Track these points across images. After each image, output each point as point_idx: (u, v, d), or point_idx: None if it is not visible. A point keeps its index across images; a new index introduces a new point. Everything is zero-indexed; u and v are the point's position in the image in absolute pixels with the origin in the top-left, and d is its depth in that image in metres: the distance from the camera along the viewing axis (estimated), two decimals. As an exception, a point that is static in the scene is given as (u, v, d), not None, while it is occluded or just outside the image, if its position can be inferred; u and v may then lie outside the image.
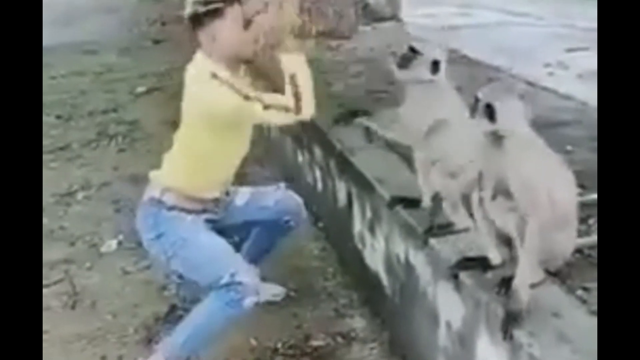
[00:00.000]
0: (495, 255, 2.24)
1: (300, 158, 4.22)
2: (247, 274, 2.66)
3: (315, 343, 2.96)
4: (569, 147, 3.21)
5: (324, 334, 3.02)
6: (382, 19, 6.66)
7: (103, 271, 3.60)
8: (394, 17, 6.80)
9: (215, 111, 2.62)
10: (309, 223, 3.71)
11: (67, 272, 3.57)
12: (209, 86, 2.59)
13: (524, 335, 1.93)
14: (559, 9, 8.73)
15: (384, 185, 2.98)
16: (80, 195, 4.51)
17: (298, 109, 2.67)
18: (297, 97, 2.67)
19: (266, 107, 2.61)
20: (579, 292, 2.11)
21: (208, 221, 2.84)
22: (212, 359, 2.86)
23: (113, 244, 3.85)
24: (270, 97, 2.66)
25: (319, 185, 3.86)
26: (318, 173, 3.90)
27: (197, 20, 2.60)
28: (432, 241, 2.49)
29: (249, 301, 2.63)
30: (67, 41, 8.47)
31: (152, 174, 2.86)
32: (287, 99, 2.66)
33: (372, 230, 3.10)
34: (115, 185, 4.64)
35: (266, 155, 4.65)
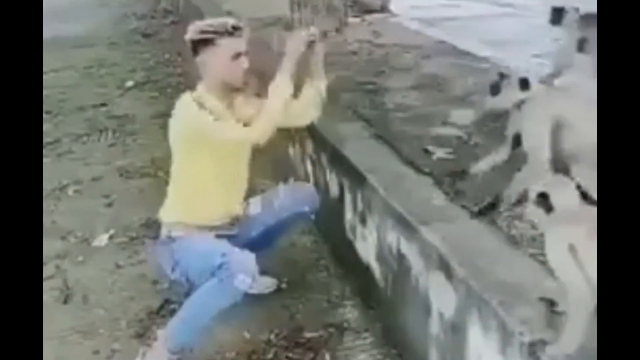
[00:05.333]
0: None
1: (291, 151, 4.23)
2: (238, 254, 2.70)
3: (308, 334, 2.97)
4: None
5: (317, 325, 3.02)
6: (371, 11, 6.67)
7: (95, 265, 3.59)
8: (384, 9, 6.80)
9: (188, 130, 2.80)
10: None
11: (59, 267, 3.56)
12: (187, 108, 2.82)
13: (516, 323, 1.94)
14: (548, 0, 8.73)
15: (375, 176, 2.99)
16: (70, 190, 4.49)
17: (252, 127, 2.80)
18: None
19: (216, 119, 2.76)
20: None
21: (224, 237, 2.91)
22: (206, 352, 2.87)
23: (104, 238, 3.84)
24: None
25: (311, 178, 3.87)
26: (309, 165, 3.90)
27: (194, 47, 2.83)
28: (424, 231, 2.50)
29: (241, 279, 2.62)
30: (56, 35, 8.42)
31: (160, 213, 3.00)
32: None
33: (363, 221, 3.11)
34: (106, 180, 4.63)
35: (257, 148, 4.63)
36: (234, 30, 2.79)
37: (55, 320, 3.10)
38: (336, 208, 3.40)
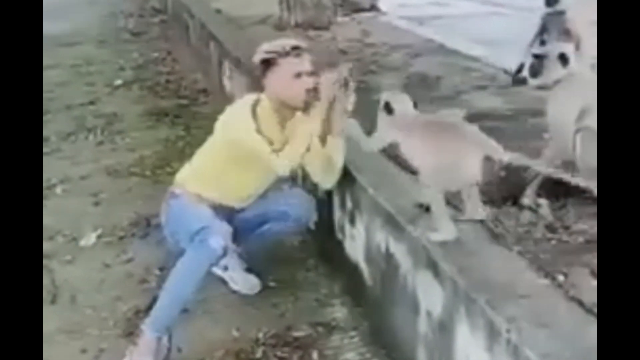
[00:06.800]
0: None
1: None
2: (216, 221, 2.85)
3: (296, 333, 2.97)
4: (546, 135, 3.23)
5: (306, 323, 3.02)
6: (360, 9, 6.68)
7: (83, 265, 3.58)
8: (373, 8, 6.82)
9: (227, 131, 2.95)
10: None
11: (47, 266, 3.53)
12: (240, 108, 2.97)
13: (502, 321, 1.95)
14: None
15: (364, 175, 2.99)
16: (59, 189, 4.47)
17: (277, 151, 2.85)
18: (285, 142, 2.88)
19: (273, 150, 2.84)
20: (557, 276, 2.14)
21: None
22: (195, 350, 2.87)
23: (92, 237, 3.83)
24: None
25: (299, 177, 3.86)
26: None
27: (262, 68, 2.97)
28: (412, 229, 2.51)
29: (214, 241, 2.75)
30: (44, 34, 8.39)
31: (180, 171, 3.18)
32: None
33: (352, 220, 3.11)
34: (94, 179, 4.61)
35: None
36: (292, 50, 2.90)
37: (43, 320, 3.08)
38: (325, 207, 3.40)
